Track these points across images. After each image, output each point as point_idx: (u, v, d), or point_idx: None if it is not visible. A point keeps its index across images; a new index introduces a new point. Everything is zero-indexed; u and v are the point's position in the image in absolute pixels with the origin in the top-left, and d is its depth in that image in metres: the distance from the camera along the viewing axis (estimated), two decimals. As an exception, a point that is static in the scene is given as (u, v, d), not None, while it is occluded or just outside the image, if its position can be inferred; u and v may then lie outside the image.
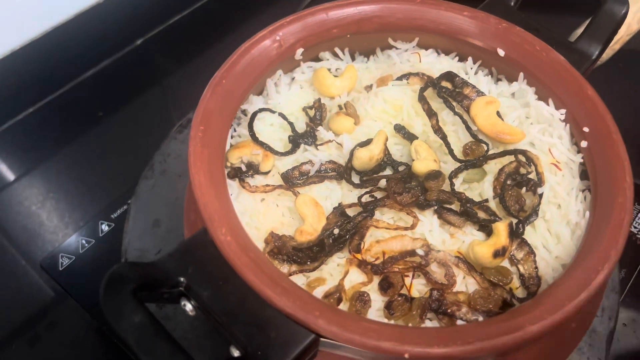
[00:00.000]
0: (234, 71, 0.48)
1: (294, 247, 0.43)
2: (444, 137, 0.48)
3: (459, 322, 0.41)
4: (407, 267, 0.43)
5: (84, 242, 0.61)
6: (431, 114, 0.50)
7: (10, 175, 0.70)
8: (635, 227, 0.59)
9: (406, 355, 0.35)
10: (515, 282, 0.43)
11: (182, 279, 0.37)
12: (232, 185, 0.46)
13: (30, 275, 0.61)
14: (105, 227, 0.63)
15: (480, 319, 0.41)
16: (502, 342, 0.36)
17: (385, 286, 0.42)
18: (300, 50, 0.52)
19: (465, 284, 0.43)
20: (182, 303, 0.38)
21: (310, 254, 0.43)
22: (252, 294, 0.37)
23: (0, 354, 0.56)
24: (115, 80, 0.78)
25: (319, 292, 0.42)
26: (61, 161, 0.71)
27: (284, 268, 0.43)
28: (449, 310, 0.41)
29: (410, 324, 0.41)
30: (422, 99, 0.50)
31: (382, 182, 0.47)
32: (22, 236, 0.64)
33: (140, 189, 0.58)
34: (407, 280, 0.43)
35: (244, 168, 0.47)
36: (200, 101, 0.45)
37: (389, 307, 0.41)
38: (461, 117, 0.49)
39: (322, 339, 0.37)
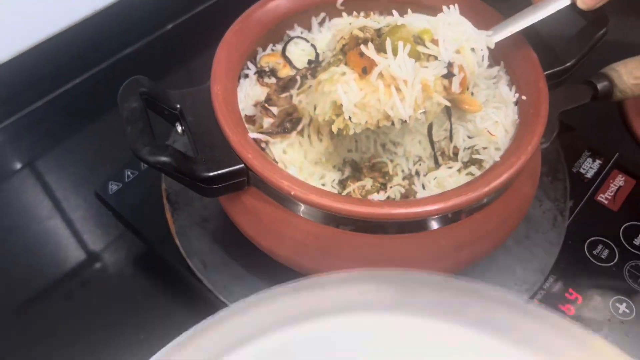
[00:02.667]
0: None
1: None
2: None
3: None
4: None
5: (129, 173, 0.75)
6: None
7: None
8: (583, 169, 0.70)
9: (292, 192, 0.49)
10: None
11: (178, 106, 0.55)
12: (252, 78, 0.63)
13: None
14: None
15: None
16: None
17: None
18: (340, 0, 0.67)
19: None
20: (176, 124, 0.56)
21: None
22: (218, 128, 0.53)
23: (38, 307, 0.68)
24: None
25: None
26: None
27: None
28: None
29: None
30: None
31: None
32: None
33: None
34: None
35: (267, 69, 0.64)
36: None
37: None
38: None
39: (250, 172, 0.52)
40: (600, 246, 0.65)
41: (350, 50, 0.49)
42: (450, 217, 0.51)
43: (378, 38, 0.49)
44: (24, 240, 0.74)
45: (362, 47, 0.48)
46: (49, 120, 0.87)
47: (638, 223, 0.66)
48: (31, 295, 0.69)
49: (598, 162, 0.72)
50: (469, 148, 0.60)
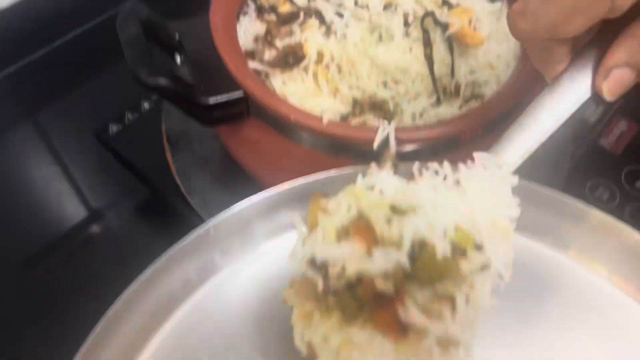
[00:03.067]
0: None
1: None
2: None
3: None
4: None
5: (129, 115, 0.75)
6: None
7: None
8: (586, 114, 0.73)
9: (291, 117, 0.49)
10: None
11: (177, 35, 0.54)
12: (251, 15, 0.62)
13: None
14: (146, 105, 0.76)
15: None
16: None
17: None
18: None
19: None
20: (175, 54, 0.55)
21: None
22: (217, 58, 0.53)
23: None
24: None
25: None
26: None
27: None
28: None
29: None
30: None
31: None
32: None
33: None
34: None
35: (267, 6, 0.63)
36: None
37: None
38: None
39: (249, 100, 0.52)
40: (601, 188, 0.65)
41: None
42: (451, 145, 0.51)
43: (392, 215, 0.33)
44: (27, 188, 0.74)
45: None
46: (49, 70, 0.87)
47: (640, 167, 0.66)
48: (36, 241, 0.69)
49: (601, 107, 0.71)
50: (470, 83, 0.59)
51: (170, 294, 0.53)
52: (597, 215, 0.47)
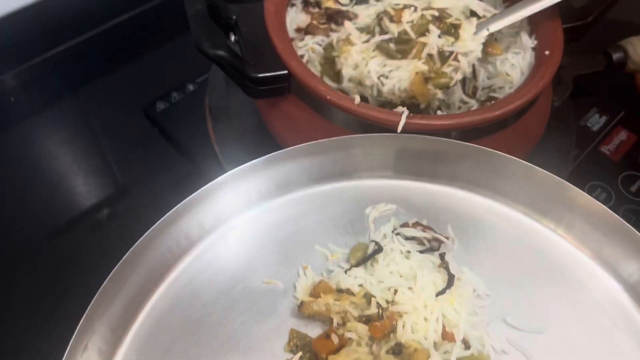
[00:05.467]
0: None
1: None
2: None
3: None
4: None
5: (175, 95, 0.82)
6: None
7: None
8: (590, 123, 0.80)
9: (327, 97, 0.56)
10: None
11: (234, 17, 0.62)
12: (298, 7, 0.70)
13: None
14: (191, 87, 0.84)
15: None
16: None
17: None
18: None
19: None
20: (230, 34, 0.63)
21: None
22: (267, 40, 0.61)
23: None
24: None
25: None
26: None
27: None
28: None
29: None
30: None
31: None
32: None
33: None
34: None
35: (312, 0, 0.71)
36: None
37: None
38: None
39: (292, 78, 0.59)
40: (599, 190, 0.71)
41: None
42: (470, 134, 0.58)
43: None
44: (70, 158, 0.81)
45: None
46: (101, 49, 0.93)
47: (636, 173, 0.72)
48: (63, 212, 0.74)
49: (604, 117, 0.78)
50: (487, 88, 0.66)
51: (187, 237, 0.60)
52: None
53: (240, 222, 0.63)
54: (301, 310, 0.55)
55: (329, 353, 0.49)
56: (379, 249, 0.58)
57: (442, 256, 0.55)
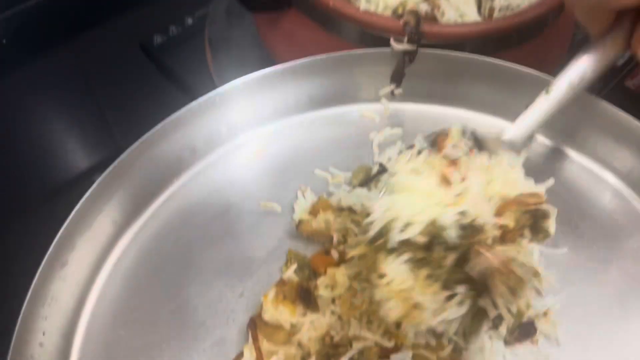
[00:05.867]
0: None
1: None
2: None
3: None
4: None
5: (173, 29, 0.79)
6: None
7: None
8: None
9: (330, 4, 0.52)
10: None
11: None
12: None
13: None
14: (190, 21, 0.80)
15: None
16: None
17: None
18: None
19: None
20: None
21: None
22: None
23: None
24: None
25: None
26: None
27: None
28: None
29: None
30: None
31: None
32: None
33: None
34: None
35: None
36: None
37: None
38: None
39: None
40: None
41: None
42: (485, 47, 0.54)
43: None
44: (66, 103, 0.77)
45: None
46: None
47: (663, 108, 0.68)
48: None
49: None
50: (504, 8, 0.61)
51: (179, 160, 0.56)
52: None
53: (237, 146, 0.59)
54: (299, 229, 0.51)
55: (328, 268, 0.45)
56: (382, 169, 0.54)
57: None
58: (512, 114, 0.55)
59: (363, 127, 0.59)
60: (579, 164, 0.56)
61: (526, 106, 0.47)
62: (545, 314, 0.47)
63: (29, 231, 0.61)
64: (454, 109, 0.59)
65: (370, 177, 0.54)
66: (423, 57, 0.56)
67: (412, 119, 0.59)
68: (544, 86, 0.48)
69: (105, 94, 0.79)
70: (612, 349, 0.46)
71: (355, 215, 0.50)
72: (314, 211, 0.51)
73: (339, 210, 0.51)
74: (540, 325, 0.46)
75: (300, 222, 0.51)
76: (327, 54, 0.53)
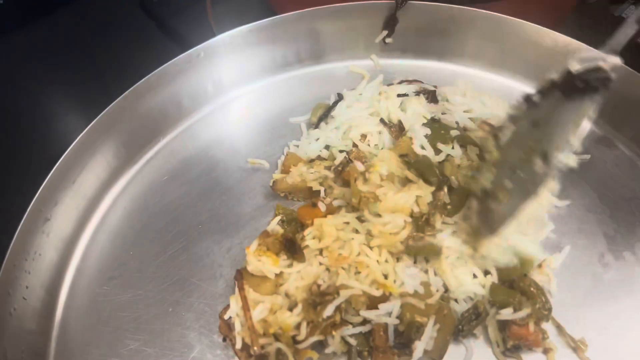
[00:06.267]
0: None
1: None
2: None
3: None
4: None
5: None
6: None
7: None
8: (625, 14, 0.72)
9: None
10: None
11: None
12: None
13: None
14: None
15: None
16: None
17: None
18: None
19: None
20: None
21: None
22: None
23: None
24: None
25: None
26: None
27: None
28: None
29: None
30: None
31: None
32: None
33: None
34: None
35: None
36: None
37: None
38: None
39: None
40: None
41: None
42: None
43: None
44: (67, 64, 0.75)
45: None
46: None
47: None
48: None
49: (640, 7, 0.71)
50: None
51: (164, 116, 0.55)
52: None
53: (225, 102, 0.58)
54: (275, 189, 0.50)
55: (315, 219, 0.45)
56: (339, 98, 0.54)
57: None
58: (506, 69, 0.54)
59: (352, 84, 0.58)
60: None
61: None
62: (539, 266, 0.46)
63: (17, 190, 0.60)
64: (445, 64, 0.58)
65: (327, 109, 0.53)
66: (414, 10, 0.54)
67: (402, 75, 0.58)
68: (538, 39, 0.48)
69: (104, 54, 0.77)
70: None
71: (325, 161, 0.50)
72: (285, 169, 0.50)
73: (309, 161, 0.51)
74: (536, 276, 0.45)
75: (274, 182, 0.50)
76: (323, 7, 0.52)
